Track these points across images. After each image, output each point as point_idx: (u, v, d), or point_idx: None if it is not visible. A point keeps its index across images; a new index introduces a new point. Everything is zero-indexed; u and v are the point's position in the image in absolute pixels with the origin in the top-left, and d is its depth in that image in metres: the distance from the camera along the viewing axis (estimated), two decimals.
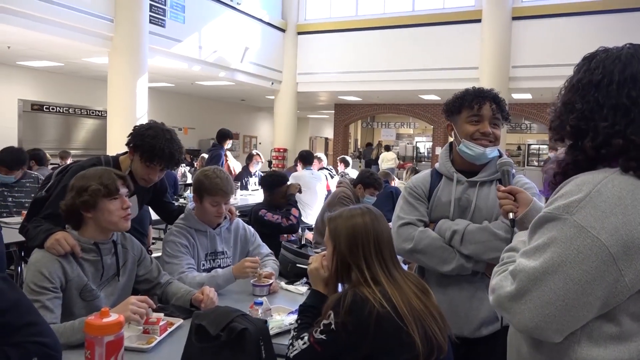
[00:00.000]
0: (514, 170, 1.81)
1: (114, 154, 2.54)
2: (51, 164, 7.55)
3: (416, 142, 19.94)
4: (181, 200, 5.46)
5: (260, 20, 11.99)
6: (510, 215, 1.56)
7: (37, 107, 11.22)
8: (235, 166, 8.23)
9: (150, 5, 8.50)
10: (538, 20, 10.60)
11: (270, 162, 13.60)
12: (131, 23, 7.95)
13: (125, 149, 2.42)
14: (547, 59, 10.03)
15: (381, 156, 15.48)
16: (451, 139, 2.01)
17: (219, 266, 2.60)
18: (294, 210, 3.85)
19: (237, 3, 11.06)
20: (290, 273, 2.72)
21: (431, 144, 16.68)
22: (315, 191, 6.14)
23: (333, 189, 5.89)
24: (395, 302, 1.41)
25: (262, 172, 7.16)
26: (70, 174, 2.20)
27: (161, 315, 1.89)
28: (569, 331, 1.04)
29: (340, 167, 8.36)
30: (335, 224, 1.59)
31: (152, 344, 1.74)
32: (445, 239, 1.84)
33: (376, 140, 19.97)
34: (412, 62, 11.61)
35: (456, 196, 1.88)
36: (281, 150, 13.17)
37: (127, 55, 7.93)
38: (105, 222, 1.92)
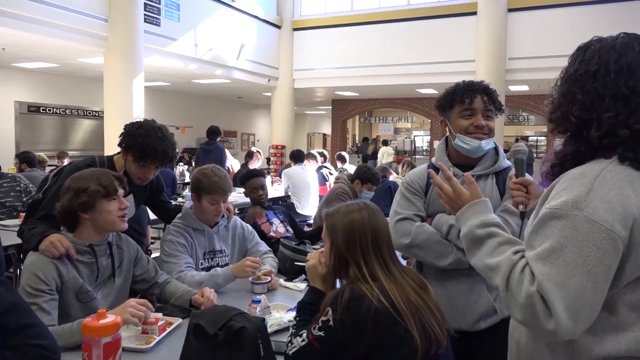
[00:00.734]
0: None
1: (109, 154, 2.54)
2: (49, 165, 7.54)
3: (414, 136, 19.92)
4: (179, 200, 5.46)
5: (256, 17, 11.95)
6: (521, 207, 1.55)
7: (34, 109, 11.18)
8: (234, 164, 8.24)
9: (145, 4, 8.46)
10: (534, 12, 10.56)
11: (268, 159, 13.59)
12: (126, 22, 7.91)
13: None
14: (543, 50, 10.00)
15: (381, 151, 15.46)
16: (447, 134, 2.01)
17: (217, 265, 2.59)
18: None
19: (232, 0, 11.02)
20: (289, 270, 2.72)
21: (429, 137, 16.67)
22: (308, 183, 6.54)
23: None
24: (393, 297, 1.41)
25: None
26: (65, 174, 2.20)
27: (160, 315, 1.89)
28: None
29: (338, 164, 8.36)
30: (332, 220, 1.58)
31: (151, 344, 1.74)
32: (442, 233, 1.84)
33: (374, 135, 19.95)
34: (409, 56, 11.58)
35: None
36: (279, 147, 13.15)
37: (123, 54, 7.89)
38: (102, 222, 1.92)
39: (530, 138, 16.58)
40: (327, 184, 7.02)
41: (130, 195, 2.40)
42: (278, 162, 12.71)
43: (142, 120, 2.41)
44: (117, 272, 2.04)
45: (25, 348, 1.28)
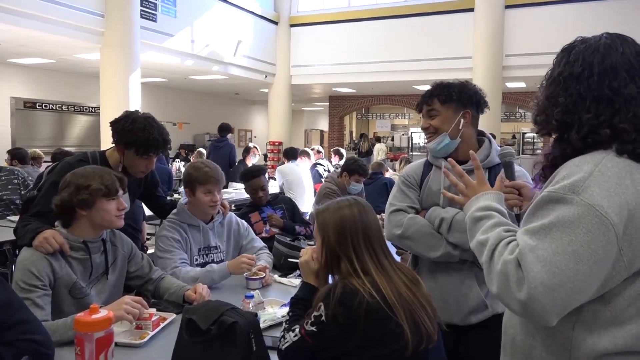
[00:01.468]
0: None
1: (101, 150, 2.54)
2: (45, 161, 7.52)
3: (411, 132, 19.91)
4: (175, 196, 5.45)
5: (253, 13, 11.91)
6: (515, 209, 1.56)
7: (30, 105, 11.14)
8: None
9: (141, 0, 8.44)
10: (531, 9, 10.56)
11: (265, 156, 13.58)
12: (122, 18, 7.87)
13: None
14: (540, 47, 9.99)
15: (376, 148, 15.46)
16: None
17: (212, 261, 2.60)
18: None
19: None
20: (284, 266, 2.73)
21: None
22: (302, 179, 6.58)
23: None
24: (384, 291, 1.42)
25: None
26: (57, 171, 2.20)
27: (153, 310, 1.90)
28: (564, 314, 1.03)
29: (335, 159, 8.34)
30: (323, 217, 1.60)
31: (145, 339, 1.75)
32: (434, 226, 1.87)
33: (371, 132, 19.91)
34: (406, 53, 11.57)
35: (445, 185, 1.90)
36: (276, 143, 13.14)
37: (119, 50, 7.86)
38: (100, 219, 1.93)
39: (527, 135, 16.58)
40: (323, 180, 7.03)
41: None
42: (275, 159, 12.69)
43: (125, 113, 2.40)
44: (111, 269, 2.04)
45: (19, 343, 1.29)
